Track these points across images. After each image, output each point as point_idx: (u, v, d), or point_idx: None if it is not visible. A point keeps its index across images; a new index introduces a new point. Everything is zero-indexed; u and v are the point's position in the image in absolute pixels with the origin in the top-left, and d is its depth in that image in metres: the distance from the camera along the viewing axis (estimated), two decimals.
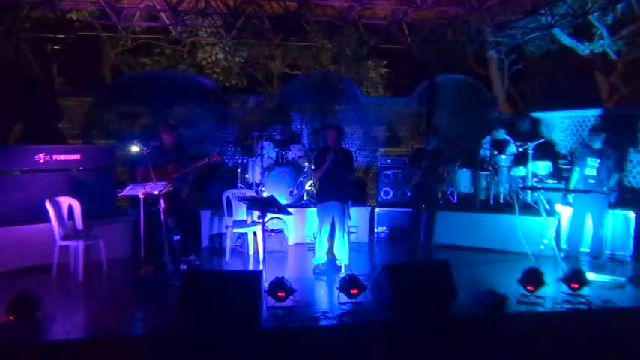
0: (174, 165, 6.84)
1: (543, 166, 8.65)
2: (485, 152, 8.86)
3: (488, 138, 8.97)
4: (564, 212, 7.72)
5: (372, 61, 13.03)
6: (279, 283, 5.21)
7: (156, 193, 6.33)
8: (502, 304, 5.24)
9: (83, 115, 9.55)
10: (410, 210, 7.89)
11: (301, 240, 8.42)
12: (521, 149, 8.22)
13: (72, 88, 11.88)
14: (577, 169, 7.45)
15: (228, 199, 7.62)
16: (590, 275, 5.95)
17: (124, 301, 5.74)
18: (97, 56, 13.17)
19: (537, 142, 8.00)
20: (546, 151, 9.00)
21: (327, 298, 5.86)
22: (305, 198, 8.78)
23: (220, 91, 10.76)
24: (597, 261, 7.22)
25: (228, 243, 7.40)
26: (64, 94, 9.89)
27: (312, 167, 8.40)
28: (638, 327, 5.29)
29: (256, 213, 6.99)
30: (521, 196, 8.06)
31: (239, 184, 8.70)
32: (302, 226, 8.44)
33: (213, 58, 12.22)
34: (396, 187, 9.02)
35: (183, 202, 7.02)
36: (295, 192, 8.64)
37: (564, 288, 5.71)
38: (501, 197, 8.47)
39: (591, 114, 9.20)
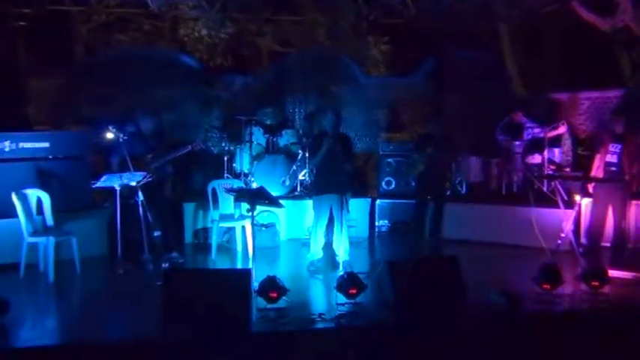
0: (154, 153, 6.81)
1: (561, 153, 8.66)
2: (497, 137, 8.87)
3: (501, 121, 8.98)
4: (583, 203, 7.74)
5: (372, 37, 12.97)
6: (270, 283, 5.21)
7: (134, 184, 6.31)
8: (516, 304, 5.25)
9: (52, 98, 9.49)
10: (414, 201, 7.90)
11: (295, 235, 8.43)
12: (542, 134, 8.23)
13: (39, 68, 11.79)
14: (597, 156, 7.46)
15: (213, 190, 7.60)
16: (612, 272, 5.98)
17: (99, 303, 5.73)
18: (68, 33, 13.05)
19: (554, 127, 8.02)
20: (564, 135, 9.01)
21: (323, 299, 5.87)
22: (299, 189, 8.77)
23: (204, 70, 10.70)
24: (620, 256, 7.24)
25: (215, 239, 7.39)
26: (31, 75, 9.82)
27: (307, 155, 8.39)
28: None
29: (245, 205, 6.98)
30: (536, 186, 8.08)
31: (226, 174, 8.69)
32: (296, 220, 8.44)
33: (196, 35, 12.13)
34: (399, 176, 9.03)
35: (164, 194, 7.00)
36: (288, 182, 8.63)
37: (584, 286, 5.73)
38: (515, 187, 8.49)
39: (613, 95, 9.19)
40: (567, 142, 8.69)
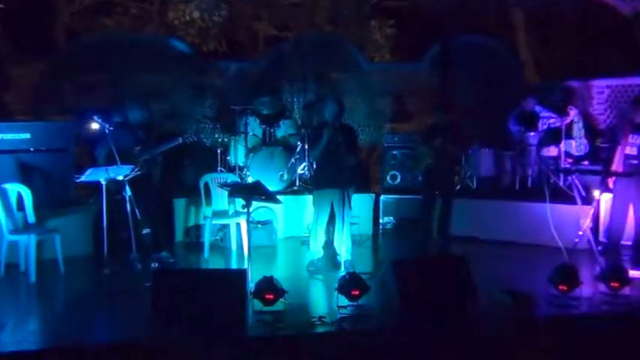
0: (142, 145, 6.81)
1: (578, 145, 8.66)
2: (510, 128, 8.86)
3: (514, 111, 8.96)
4: (603, 199, 7.73)
5: (375, 21, 12.95)
6: (267, 284, 5.21)
7: (121, 178, 6.31)
8: (529, 306, 5.26)
9: (33, 86, 9.47)
10: (421, 197, 7.89)
11: (293, 232, 8.43)
12: (557, 124, 8.21)
13: (19, 54, 11.77)
14: (618, 148, 7.45)
15: (206, 184, 7.60)
16: (633, 273, 5.98)
17: (84, 305, 5.73)
18: (50, 16, 13.03)
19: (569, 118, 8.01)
20: (582, 126, 8.99)
21: (323, 301, 5.87)
22: (298, 183, 8.77)
23: (196, 56, 10.68)
24: None
25: (207, 237, 7.39)
26: (10, 62, 9.80)
27: (306, 147, 8.39)
28: None
29: (240, 201, 6.97)
30: (552, 181, 8.08)
31: (219, 168, 8.68)
32: (294, 217, 8.44)
33: (188, 18, 12.11)
34: (405, 169, 9.02)
35: (153, 189, 6.99)
36: (286, 176, 8.63)
37: (603, 287, 5.74)
38: (529, 182, 8.49)
39: (635, 82, 9.18)
40: (575, 127, 8.67)
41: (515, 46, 13.61)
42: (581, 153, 8.65)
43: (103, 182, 6.30)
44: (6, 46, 12.20)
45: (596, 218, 7.67)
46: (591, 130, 9.27)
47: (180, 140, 6.94)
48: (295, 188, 8.73)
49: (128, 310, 5.42)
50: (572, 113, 8.75)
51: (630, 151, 7.23)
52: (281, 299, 5.21)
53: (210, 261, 7.24)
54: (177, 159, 8.74)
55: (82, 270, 6.87)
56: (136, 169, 6.41)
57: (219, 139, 9.36)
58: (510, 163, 8.74)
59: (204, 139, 9.71)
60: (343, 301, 5.29)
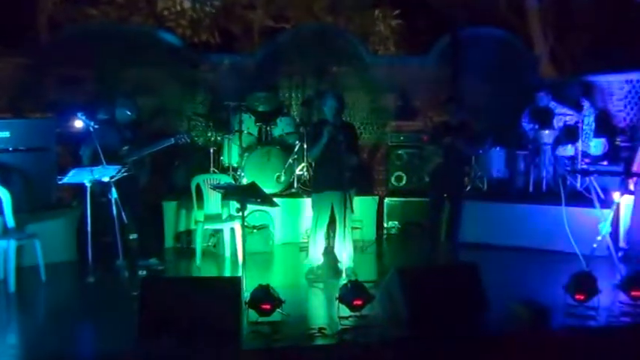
0: (130, 145, 6.81)
1: (597, 144, 8.66)
2: (523, 126, 8.86)
3: (528, 108, 8.96)
4: (623, 202, 7.74)
5: (379, 11, 12.98)
6: (263, 293, 5.22)
7: (106, 179, 6.30)
8: (545, 317, 5.26)
9: (12, 80, 9.47)
10: (428, 200, 7.89)
11: (291, 238, 8.44)
12: (572, 122, 8.21)
13: None
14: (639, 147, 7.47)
15: (198, 186, 7.60)
16: None
17: (67, 316, 5.73)
18: (30, 6, 13.03)
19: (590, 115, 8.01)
20: (600, 124, 9.00)
21: (324, 311, 5.87)
22: (296, 185, 8.77)
23: (187, 49, 10.69)
24: None
25: (199, 242, 7.39)
26: None
27: (305, 146, 8.39)
28: None
29: (234, 204, 6.98)
30: (568, 182, 8.08)
31: (212, 168, 8.68)
32: (292, 221, 8.44)
33: (178, 8, 12.14)
34: (411, 170, 9.03)
35: (141, 192, 6.99)
36: (283, 178, 8.63)
37: (623, 297, 5.74)
38: (544, 183, 8.49)
39: None
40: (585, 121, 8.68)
41: (530, 38, 13.63)
42: (599, 153, 8.64)
43: (88, 184, 6.30)
44: None
45: (615, 222, 7.67)
46: (611, 128, 9.28)
47: (173, 141, 6.95)
48: (293, 190, 8.73)
49: (114, 322, 5.40)
50: (585, 107, 8.76)
51: None
52: (278, 309, 5.21)
53: (202, 268, 7.24)
54: (166, 159, 8.74)
55: (65, 278, 6.87)
56: (122, 170, 6.41)
57: (212, 138, 9.36)
58: (524, 164, 8.73)
59: (196, 138, 9.71)
60: (345, 311, 5.29)
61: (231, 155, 8.74)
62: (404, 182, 9.04)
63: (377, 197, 8.89)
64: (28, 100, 9.40)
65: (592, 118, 8.81)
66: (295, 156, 8.72)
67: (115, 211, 6.39)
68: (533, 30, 14.10)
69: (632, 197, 7.56)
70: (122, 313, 5.51)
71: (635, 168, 7.45)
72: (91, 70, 9.51)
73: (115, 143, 6.73)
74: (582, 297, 5.58)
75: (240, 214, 5.91)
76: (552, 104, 8.89)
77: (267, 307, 5.16)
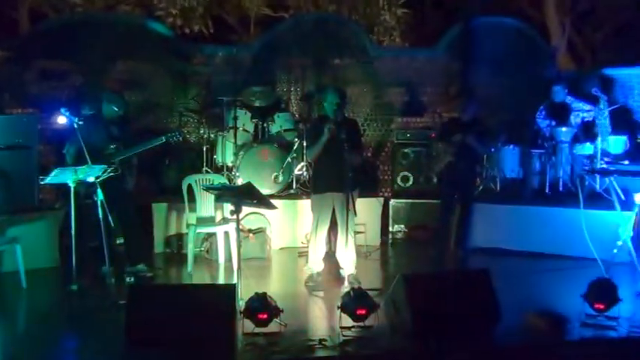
0: (118, 143, 6.81)
1: (617, 142, 8.65)
2: (539, 123, 8.86)
3: (543, 103, 8.96)
4: None
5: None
6: (259, 302, 5.21)
7: (92, 180, 6.30)
8: (561, 328, 5.25)
9: None
10: (437, 201, 7.89)
11: (290, 243, 8.44)
12: (590, 118, 8.20)
13: None
14: None
15: (190, 187, 7.60)
16: None
17: (49, 326, 5.73)
18: None
19: (612, 108, 8.00)
20: (621, 120, 8.99)
21: (324, 321, 5.87)
22: (295, 186, 8.77)
23: (178, 40, 10.69)
24: None
25: (191, 247, 7.39)
26: None
27: (305, 144, 8.38)
28: None
29: (229, 206, 6.97)
30: (587, 183, 8.07)
31: (205, 168, 8.67)
32: (291, 225, 8.44)
33: None
34: (419, 170, 9.02)
35: (129, 193, 6.99)
36: (281, 178, 8.63)
37: None
38: (561, 184, 8.48)
39: None
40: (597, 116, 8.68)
41: (546, 28, 13.63)
42: (619, 151, 8.62)
43: (72, 185, 6.28)
44: None
45: (637, 226, 7.66)
46: (632, 125, 9.27)
47: (164, 139, 6.95)
48: (292, 192, 8.73)
49: (99, 333, 5.41)
50: (600, 100, 8.76)
51: None
52: (275, 319, 5.21)
53: (194, 275, 7.23)
54: (156, 158, 8.75)
55: (47, 285, 6.88)
56: (109, 170, 6.40)
57: (205, 135, 9.37)
58: (539, 163, 8.72)
59: (188, 135, 9.72)
60: (347, 321, 5.29)
61: (226, 154, 8.74)
62: (410, 183, 9.04)
63: (382, 199, 8.89)
64: (7, 94, 9.41)
65: (606, 113, 8.78)
66: (294, 154, 8.72)
67: (100, 214, 6.38)
68: (550, 19, 14.11)
69: None
70: (108, 323, 5.51)
71: None
72: (75, 63, 9.50)
73: (101, 141, 6.72)
74: (602, 306, 5.57)
75: (235, 216, 5.90)
76: (569, 99, 8.89)
77: (264, 316, 5.15)
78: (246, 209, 6.76)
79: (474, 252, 7.74)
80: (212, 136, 9.21)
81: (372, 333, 5.24)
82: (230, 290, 5.20)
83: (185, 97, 9.93)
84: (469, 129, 7.39)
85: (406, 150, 9.10)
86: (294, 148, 8.73)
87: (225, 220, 7.52)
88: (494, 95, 10.05)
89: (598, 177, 8.07)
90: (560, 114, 8.73)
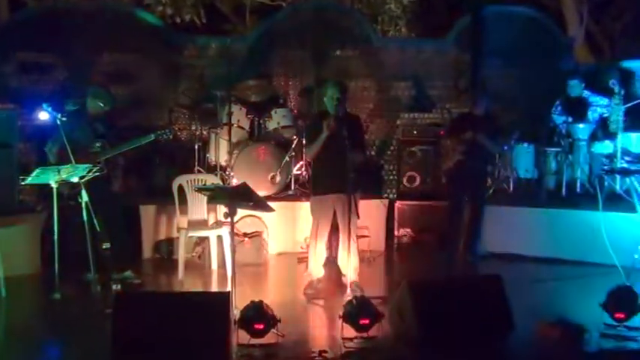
0: (103, 141, 6.82)
1: (639, 140, 8.65)
2: (555, 119, 8.86)
3: (559, 99, 8.96)
4: None
5: None
6: (255, 311, 5.22)
7: (76, 180, 6.31)
8: (579, 338, 5.25)
9: None
10: (445, 203, 7.89)
11: (288, 247, 8.44)
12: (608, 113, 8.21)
13: None
14: None
15: (180, 188, 7.60)
16: None
17: (30, 337, 5.72)
18: None
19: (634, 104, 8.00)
20: None
21: (325, 332, 5.87)
22: (293, 187, 8.77)
23: (169, 31, 10.69)
24: None
25: (182, 253, 7.40)
26: None
27: (304, 142, 8.38)
28: None
29: (222, 209, 6.97)
30: (606, 183, 8.07)
31: (197, 167, 8.68)
32: (289, 228, 8.45)
33: None
34: (426, 170, 9.02)
35: (115, 194, 7.00)
36: (279, 178, 8.63)
37: None
38: (578, 185, 8.49)
39: None
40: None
41: (563, 18, 13.62)
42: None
43: (54, 185, 6.30)
44: None
45: None
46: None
47: (153, 137, 6.95)
48: (290, 193, 8.74)
49: (84, 344, 5.40)
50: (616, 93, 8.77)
51: None
52: (273, 330, 5.21)
53: (185, 282, 7.24)
54: (144, 156, 8.75)
55: (28, 293, 6.87)
56: (94, 170, 6.41)
57: (197, 133, 9.37)
58: (555, 162, 8.73)
59: (179, 133, 9.72)
60: (349, 331, 5.30)
61: (219, 152, 8.74)
62: (417, 183, 9.03)
63: (386, 201, 8.89)
64: None
65: (622, 108, 8.78)
66: (292, 153, 8.73)
67: (85, 217, 6.39)
68: (567, 8, 14.08)
69: None
70: (93, 333, 5.51)
71: None
72: (57, 55, 9.51)
73: (85, 139, 6.73)
74: (622, 315, 5.57)
75: (229, 220, 5.90)
76: (586, 93, 8.89)
77: (260, 326, 5.15)
78: (241, 212, 6.76)
79: (485, 257, 7.75)
80: (205, 133, 9.21)
81: (375, 344, 5.24)
82: (224, 298, 5.20)
83: (176, 91, 9.94)
84: (480, 125, 7.40)
85: (413, 148, 9.09)
86: (293, 146, 8.73)
87: (218, 224, 7.52)
88: (507, 89, 10.06)
89: (618, 177, 8.07)
90: (578, 109, 8.73)
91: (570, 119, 8.65)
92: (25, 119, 8.18)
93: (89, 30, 9.50)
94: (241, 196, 5.91)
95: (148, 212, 8.18)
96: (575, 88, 8.83)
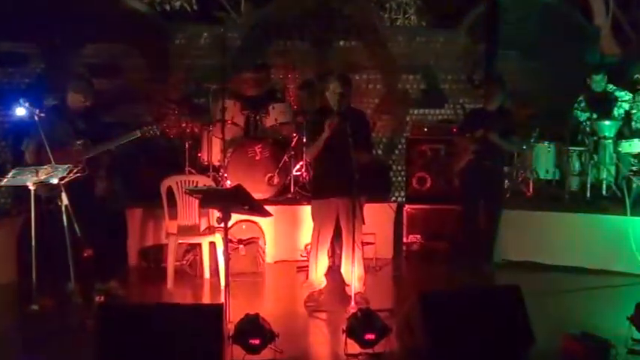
0: (85, 139, 6.82)
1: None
2: (578, 116, 8.86)
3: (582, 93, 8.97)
4: None
5: None
6: (251, 324, 5.23)
7: (55, 182, 6.31)
8: (603, 354, 5.25)
9: None
10: (459, 207, 7.89)
11: (287, 255, 8.45)
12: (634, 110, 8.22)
13: None
14: None
15: (169, 190, 7.61)
16: None
17: (5, 352, 5.73)
18: None
19: None
20: None
21: (327, 348, 5.88)
22: (293, 189, 8.78)
23: (157, 19, 10.69)
24: None
25: (171, 260, 7.40)
26: None
27: (304, 140, 8.39)
28: None
29: (215, 213, 6.98)
30: (635, 186, 8.07)
31: (187, 168, 8.68)
32: (288, 234, 8.45)
33: None
34: (437, 170, 9.01)
35: (98, 197, 7.00)
36: (277, 180, 8.63)
37: None
38: (604, 187, 8.49)
39: None
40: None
41: (588, 6, 13.61)
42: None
43: (32, 187, 6.30)
44: None
45: None
46: None
47: (139, 134, 6.95)
48: (289, 196, 8.74)
49: (64, 358, 5.42)
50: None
51: None
52: (270, 345, 5.22)
53: (175, 293, 7.25)
54: (130, 156, 8.75)
55: (2, 305, 6.88)
56: (75, 170, 6.41)
57: (188, 129, 9.38)
58: (579, 163, 8.73)
59: (168, 130, 9.73)
60: (354, 347, 5.30)
61: (212, 151, 8.74)
62: (428, 185, 9.03)
63: (394, 204, 8.88)
64: None
65: None
66: (292, 152, 8.73)
67: (65, 222, 6.40)
68: None
69: None
70: (74, 349, 5.51)
71: None
72: (35, 45, 9.51)
73: (65, 136, 6.73)
74: None
75: (223, 225, 5.91)
76: (610, 87, 8.89)
77: (257, 342, 5.16)
78: (235, 216, 6.76)
79: (502, 266, 7.75)
80: (196, 130, 9.22)
81: None
82: (217, 311, 5.20)
83: (164, 84, 9.93)
84: (493, 122, 7.39)
85: (423, 147, 9.09)
86: (292, 144, 8.74)
87: (210, 229, 7.53)
88: (525, 83, 10.06)
89: None
90: (603, 105, 8.74)
91: (595, 116, 8.65)
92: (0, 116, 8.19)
93: (70, 17, 9.49)
94: (236, 200, 5.92)
95: (134, 216, 8.19)
96: (600, 83, 8.84)
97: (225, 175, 8.43)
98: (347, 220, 6.55)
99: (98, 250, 6.90)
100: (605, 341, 5.34)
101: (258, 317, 5.27)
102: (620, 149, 8.56)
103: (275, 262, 8.37)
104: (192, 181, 7.77)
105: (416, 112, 10.33)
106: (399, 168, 10.07)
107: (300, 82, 10.05)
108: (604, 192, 8.49)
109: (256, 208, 6.07)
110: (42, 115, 6.44)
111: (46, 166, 6.29)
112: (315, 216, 6.78)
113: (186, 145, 8.82)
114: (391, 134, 10.43)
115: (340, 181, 6.46)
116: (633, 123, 8.75)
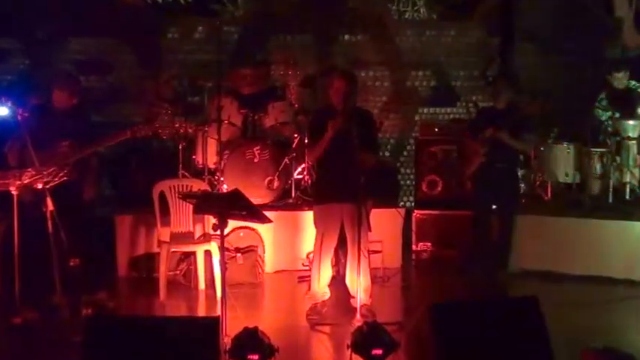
0: (72, 140, 6.83)
1: None
2: (599, 114, 8.86)
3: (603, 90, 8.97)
4: None
5: None
6: (249, 338, 5.22)
7: (40, 186, 6.31)
8: None
9: None
10: (471, 213, 7.89)
11: (287, 265, 8.45)
12: None
13: None
14: None
15: (162, 195, 7.61)
16: None
17: None
18: None
19: None
20: None
21: None
22: (294, 194, 8.78)
23: (149, 11, 10.70)
24: None
25: (164, 270, 7.41)
26: None
27: (306, 141, 8.39)
28: None
29: (211, 219, 6.98)
30: None
31: (181, 171, 8.68)
32: (288, 242, 8.45)
33: None
34: (449, 173, 9.02)
35: (86, 203, 7.00)
36: (277, 184, 8.64)
37: None
38: (627, 191, 8.48)
39: None
40: None
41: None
42: None
43: (14, 192, 6.31)
44: None
45: None
46: None
47: (129, 134, 6.96)
48: (290, 201, 8.74)
49: None
50: None
51: None
52: None
53: (168, 305, 7.26)
54: (119, 158, 8.76)
55: None
56: (61, 174, 6.42)
57: (181, 130, 9.38)
58: (600, 165, 8.73)
59: (160, 130, 9.72)
60: None
61: (207, 153, 8.75)
62: (439, 189, 9.03)
63: (402, 210, 8.88)
64: None
65: None
66: (293, 154, 8.73)
67: (50, 229, 6.40)
68: None
69: None
70: None
71: None
72: (18, 40, 9.53)
73: (51, 137, 6.74)
74: None
75: (219, 232, 5.91)
76: (633, 84, 8.88)
77: (255, 357, 5.16)
78: (232, 223, 6.77)
79: (518, 276, 7.74)
80: (190, 130, 9.21)
81: None
82: (213, 324, 5.20)
83: (156, 82, 9.94)
84: (503, 121, 7.38)
85: (433, 148, 9.10)
86: (293, 145, 8.74)
87: (206, 237, 7.53)
88: (542, 79, 10.06)
89: None
90: (626, 103, 8.73)
91: (617, 114, 8.65)
92: None
93: (56, 10, 9.52)
94: (233, 205, 5.92)
95: (124, 223, 8.19)
96: (622, 80, 8.83)
97: (222, 178, 8.44)
98: (352, 227, 6.55)
99: (86, 259, 6.92)
100: (630, 356, 5.33)
101: (257, 331, 5.27)
102: None
103: (275, 272, 8.37)
104: (186, 186, 7.78)
105: (425, 110, 10.35)
106: (408, 171, 10.09)
107: (302, 78, 10.06)
108: (627, 196, 8.48)
109: (255, 213, 6.07)
110: (25, 114, 6.44)
111: (29, 170, 6.29)
112: (317, 222, 6.78)
113: (180, 147, 8.81)
114: (399, 135, 10.45)
115: (345, 186, 6.47)
116: None
